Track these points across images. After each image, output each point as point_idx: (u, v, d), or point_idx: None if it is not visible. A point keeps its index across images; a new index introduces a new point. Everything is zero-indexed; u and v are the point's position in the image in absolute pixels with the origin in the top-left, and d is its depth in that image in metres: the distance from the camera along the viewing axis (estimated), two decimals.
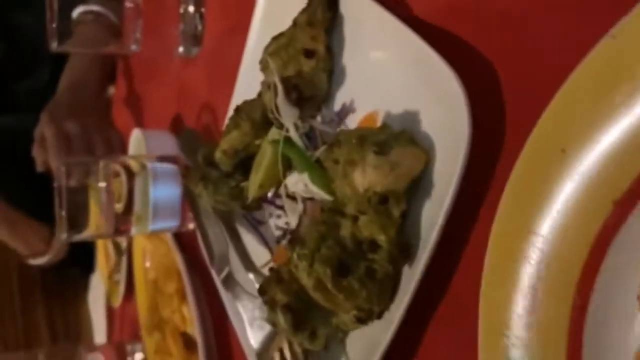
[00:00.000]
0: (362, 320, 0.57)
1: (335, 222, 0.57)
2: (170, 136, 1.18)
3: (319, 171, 0.62)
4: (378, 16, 0.55)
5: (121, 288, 1.43)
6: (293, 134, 0.64)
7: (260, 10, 0.77)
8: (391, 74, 0.55)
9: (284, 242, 0.72)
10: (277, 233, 0.78)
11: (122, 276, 1.43)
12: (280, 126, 0.66)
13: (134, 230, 1.04)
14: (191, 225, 1.06)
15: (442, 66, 0.47)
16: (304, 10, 0.63)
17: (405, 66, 0.52)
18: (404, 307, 0.52)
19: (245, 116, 0.72)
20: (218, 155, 0.78)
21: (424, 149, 0.50)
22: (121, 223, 1.02)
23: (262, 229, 0.81)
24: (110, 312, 1.62)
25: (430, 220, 0.51)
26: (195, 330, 1.02)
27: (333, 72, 0.64)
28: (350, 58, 0.62)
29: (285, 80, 0.63)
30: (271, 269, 0.67)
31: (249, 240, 0.82)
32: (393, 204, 0.50)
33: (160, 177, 1.03)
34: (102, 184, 1.01)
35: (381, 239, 0.52)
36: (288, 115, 0.63)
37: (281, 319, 0.61)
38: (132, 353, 1.32)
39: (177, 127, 1.18)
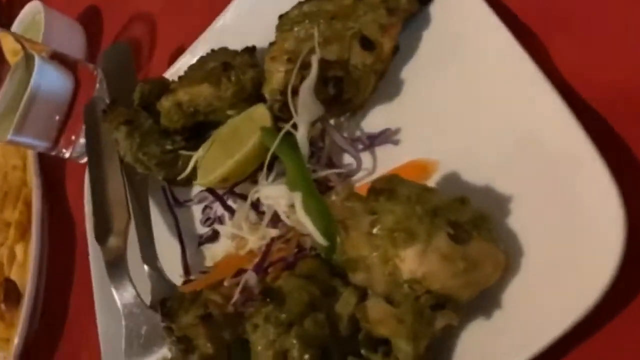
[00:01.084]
0: None
1: (332, 289, 0.40)
2: (81, 31, 0.91)
3: (318, 199, 0.45)
4: (496, 32, 0.39)
5: None
6: (302, 135, 0.46)
7: None
8: (486, 122, 0.40)
9: (232, 246, 0.52)
10: (200, 229, 0.59)
11: None
12: (288, 118, 0.47)
13: None
14: (69, 154, 0.81)
15: (590, 151, 0.33)
16: None
17: (520, 126, 0.37)
18: None
19: (234, 77, 0.52)
20: (167, 104, 0.56)
21: (504, 259, 0.36)
22: None
23: (179, 211, 0.62)
24: None
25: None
26: (27, 282, 0.78)
27: (383, 79, 0.46)
28: (421, 74, 0.45)
29: (325, 65, 0.44)
30: (192, 293, 0.48)
31: (158, 222, 0.61)
32: (445, 315, 0.35)
33: (47, 78, 0.77)
34: None
35: (402, 347, 0.36)
36: (308, 109, 0.45)
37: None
38: None
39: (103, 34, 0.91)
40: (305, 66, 0.45)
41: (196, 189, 0.61)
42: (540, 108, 0.36)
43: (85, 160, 0.81)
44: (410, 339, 0.36)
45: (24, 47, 0.75)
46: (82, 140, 0.80)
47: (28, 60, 0.76)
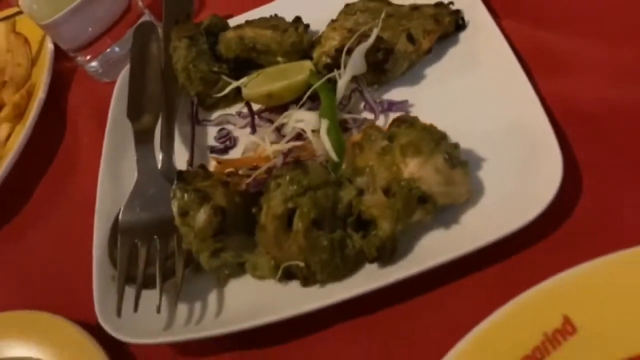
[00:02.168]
0: (290, 275, 0.53)
1: (340, 183, 0.54)
2: None
3: (338, 129, 0.59)
4: (500, 53, 0.57)
5: None
6: (342, 83, 0.61)
7: None
8: (475, 113, 0.56)
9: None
10: (212, 143, 0.70)
11: None
12: (334, 68, 0.62)
13: None
14: (88, 65, 0.90)
15: (550, 135, 0.49)
16: (436, 6, 0.63)
17: (505, 116, 0.54)
18: (341, 298, 0.50)
19: (293, 31, 0.67)
20: (231, 34, 0.70)
21: (472, 190, 0.51)
22: None
23: (197, 127, 0.73)
24: None
25: (424, 251, 0.51)
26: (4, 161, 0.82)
27: (413, 67, 0.63)
28: (440, 72, 0.62)
29: (379, 39, 0.60)
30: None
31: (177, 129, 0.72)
32: (423, 209, 0.49)
33: None
34: None
35: (384, 226, 0.50)
36: (355, 64, 0.60)
37: (203, 216, 0.54)
38: None
39: None
40: (362, 37, 0.61)
41: (216, 114, 0.73)
42: (520, 100, 0.53)
43: (101, 80, 0.90)
44: (393, 221, 0.50)
45: None
46: (105, 58, 0.89)
47: None
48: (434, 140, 0.51)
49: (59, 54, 0.94)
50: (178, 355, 0.56)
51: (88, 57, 0.90)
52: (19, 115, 0.90)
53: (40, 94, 0.89)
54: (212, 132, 0.72)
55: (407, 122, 0.52)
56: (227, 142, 0.70)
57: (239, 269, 0.57)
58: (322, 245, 0.51)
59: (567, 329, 0.41)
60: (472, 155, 0.54)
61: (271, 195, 0.53)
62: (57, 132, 0.89)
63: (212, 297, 0.57)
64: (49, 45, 0.96)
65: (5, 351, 0.62)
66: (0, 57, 1.04)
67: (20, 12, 1.01)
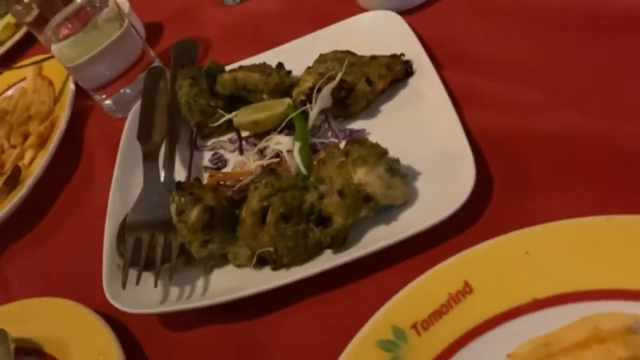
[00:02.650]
0: (263, 261, 0.66)
1: (306, 188, 0.67)
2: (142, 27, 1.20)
3: (308, 150, 0.74)
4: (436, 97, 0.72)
5: None
6: (313, 113, 0.76)
7: None
8: (416, 139, 0.71)
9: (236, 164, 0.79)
10: (207, 164, 0.84)
11: None
12: (308, 102, 0.77)
13: None
14: (104, 103, 1.05)
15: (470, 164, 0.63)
16: (390, 57, 0.79)
17: (437, 140, 0.68)
18: (301, 276, 0.63)
19: (277, 74, 0.83)
20: (227, 76, 0.86)
21: (408, 195, 0.65)
22: None
23: (195, 152, 0.87)
24: None
25: (369, 240, 0.64)
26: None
27: (370, 105, 0.78)
28: (391, 107, 0.77)
29: (342, 81, 0.76)
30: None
31: (178, 153, 0.86)
32: (367, 206, 0.63)
33: (131, 33, 1.02)
34: None
35: (338, 220, 0.63)
36: (323, 99, 0.76)
37: (195, 213, 0.68)
38: None
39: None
40: (330, 79, 0.77)
41: (211, 141, 0.87)
42: (448, 129, 0.68)
43: (115, 115, 1.06)
44: (345, 216, 0.63)
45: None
46: (119, 97, 1.05)
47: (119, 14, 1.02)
48: (378, 154, 0.65)
49: (79, 94, 1.10)
50: (170, 329, 0.69)
51: (104, 96, 1.06)
52: (42, 143, 1.05)
53: (61, 126, 1.04)
54: (207, 155, 0.86)
55: (359, 142, 0.67)
56: (219, 163, 0.84)
57: (223, 261, 0.70)
58: (288, 234, 0.64)
59: (466, 290, 0.54)
60: (410, 169, 0.68)
61: (250, 195, 0.67)
62: (75, 157, 1.03)
63: (200, 282, 0.69)
64: (71, 86, 1.12)
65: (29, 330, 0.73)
66: (28, 97, 1.20)
67: (49, 57, 1.18)
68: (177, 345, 0.67)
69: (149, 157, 0.81)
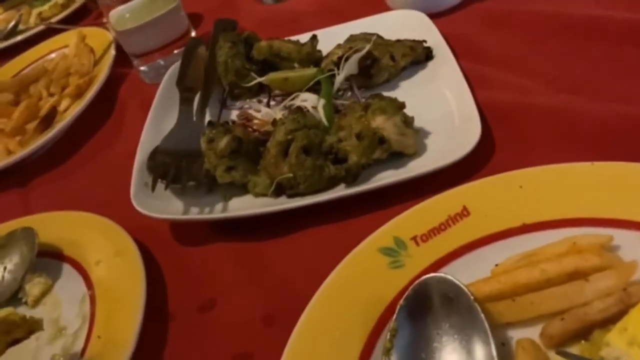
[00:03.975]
0: (282, 188, 0.73)
1: (327, 131, 0.75)
2: None
3: (331, 106, 0.82)
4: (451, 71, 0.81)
5: None
6: (340, 78, 0.84)
7: None
8: (430, 107, 0.79)
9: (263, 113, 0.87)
10: (236, 120, 0.92)
11: None
12: (334, 69, 0.86)
13: None
14: (142, 70, 1.14)
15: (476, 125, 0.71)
16: (413, 41, 0.88)
17: (450, 108, 0.76)
18: (314, 201, 0.69)
19: (309, 45, 0.92)
20: (264, 44, 0.94)
21: (419, 146, 0.73)
22: None
23: (224, 111, 0.95)
24: None
25: (379, 179, 0.71)
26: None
27: (392, 79, 0.87)
28: (410, 82, 0.86)
29: (369, 52, 0.85)
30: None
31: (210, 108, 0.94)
32: (382, 148, 0.70)
33: (178, 12, 1.14)
34: None
35: (353, 158, 0.70)
36: (350, 66, 0.84)
37: (225, 141, 0.75)
38: None
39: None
40: (358, 50, 0.85)
41: (239, 103, 0.95)
42: (462, 100, 0.76)
43: (148, 81, 1.14)
44: (360, 154, 0.71)
45: None
46: (154, 65, 1.14)
47: None
48: (396, 107, 0.73)
49: (117, 62, 1.19)
50: (183, 244, 0.74)
51: (142, 62, 1.15)
52: (79, 94, 1.13)
53: (99, 81, 1.13)
54: (234, 114, 0.94)
55: (379, 95, 0.75)
56: (245, 120, 0.92)
57: (242, 191, 0.76)
58: (307, 165, 0.71)
59: (464, 213, 0.60)
60: (422, 129, 0.76)
61: (277, 129, 0.74)
62: (108, 109, 1.11)
63: (219, 205, 0.76)
64: (112, 52, 1.21)
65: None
66: (69, 60, 1.29)
67: (94, 24, 1.28)
68: (189, 257, 0.73)
69: (185, 101, 0.89)
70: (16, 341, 0.69)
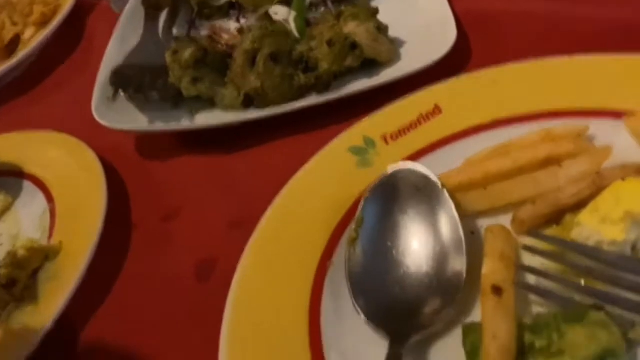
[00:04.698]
0: (251, 99, 0.69)
1: (298, 41, 0.72)
2: None
3: (303, 18, 0.78)
4: None
5: None
6: None
7: None
8: (406, 18, 0.75)
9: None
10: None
11: None
12: None
13: None
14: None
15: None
16: None
17: (427, 16, 0.73)
18: (283, 110, 0.66)
19: None
20: None
21: (393, 52, 0.70)
22: None
23: (193, 31, 0.91)
24: None
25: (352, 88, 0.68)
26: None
27: None
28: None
29: None
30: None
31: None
32: (354, 54, 0.67)
33: None
34: None
35: (323, 65, 0.67)
36: None
37: (189, 51, 0.71)
38: None
39: None
40: None
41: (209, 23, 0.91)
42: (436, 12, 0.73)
43: (117, 11, 1.09)
44: (330, 61, 0.68)
45: None
46: None
47: None
48: (369, 13, 0.70)
49: None
50: (147, 157, 0.72)
51: None
52: (43, 22, 1.08)
53: (65, 10, 1.08)
54: (204, 34, 0.90)
55: (352, 3, 0.72)
56: (213, 34, 0.88)
57: (210, 105, 0.73)
58: (275, 73, 0.68)
59: (435, 111, 0.58)
60: (397, 39, 0.73)
61: (244, 37, 0.71)
62: (76, 39, 1.06)
63: (185, 119, 0.72)
64: None
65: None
66: None
67: None
68: (154, 171, 0.70)
69: (150, 17, 0.85)
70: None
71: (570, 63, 0.56)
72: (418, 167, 0.49)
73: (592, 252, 0.42)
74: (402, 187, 0.50)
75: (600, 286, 0.42)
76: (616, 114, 0.51)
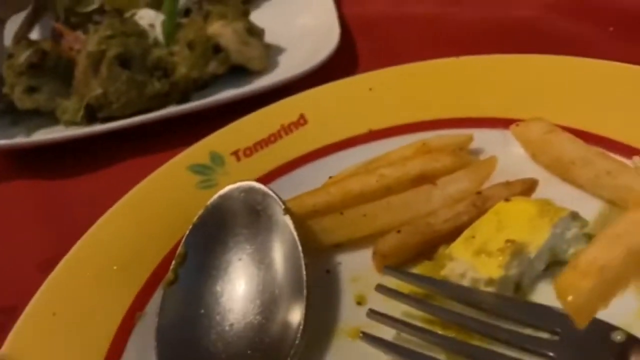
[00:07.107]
0: (93, 110, 0.58)
1: (155, 45, 0.61)
2: None
3: (173, 24, 0.68)
4: None
5: None
6: None
7: None
8: (288, 22, 0.66)
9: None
10: None
11: None
12: None
13: None
14: None
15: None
16: None
17: (310, 21, 0.65)
18: (126, 124, 0.55)
19: None
20: None
21: (266, 60, 0.60)
22: None
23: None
24: None
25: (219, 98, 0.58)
26: None
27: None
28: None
29: None
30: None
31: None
32: (218, 59, 0.57)
33: None
34: None
35: (181, 70, 0.57)
36: None
37: (25, 54, 0.59)
38: None
39: None
40: None
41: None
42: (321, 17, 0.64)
43: None
44: (189, 66, 0.57)
45: None
46: None
47: None
48: (239, 12, 0.60)
49: None
50: None
51: None
52: None
53: None
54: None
55: (222, 2, 0.62)
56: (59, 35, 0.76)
57: (50, 120, 0.61)
58: (121, 78, 0.57)
59: (300, 122, 0.48)
60: (277, 46, 0.63)
61: (90, 38, 0.59)
62: None
63: (20, 137, 0.60)
64: None
65: None
66: None
67: None
68: None
69: None
70: None
71: (457, 65, 0.48)
72: (258, 184, 0.38)
73: (465, 295, 0.32)
74: (239, 211, 0.38)
75: (477, 340, 0.31)
76: (504, 122, 0.42)
